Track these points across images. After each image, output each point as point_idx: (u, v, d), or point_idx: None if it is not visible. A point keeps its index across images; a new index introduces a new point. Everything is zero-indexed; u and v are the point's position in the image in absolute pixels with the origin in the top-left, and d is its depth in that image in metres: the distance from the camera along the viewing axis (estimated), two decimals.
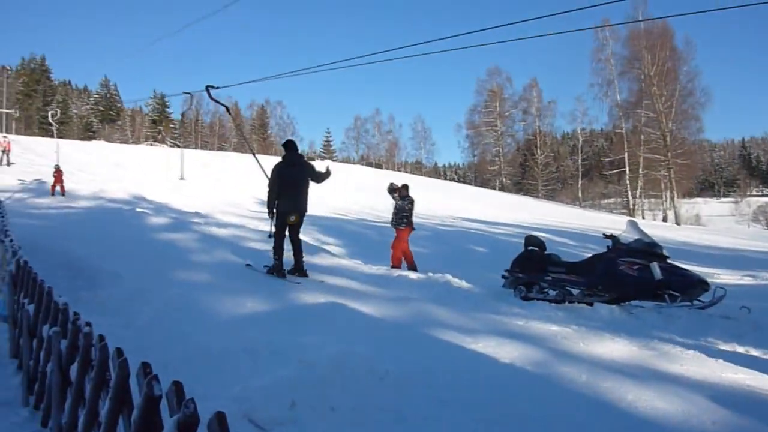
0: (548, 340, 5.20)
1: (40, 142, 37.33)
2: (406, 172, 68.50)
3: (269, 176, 7.75)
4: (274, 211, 7.65)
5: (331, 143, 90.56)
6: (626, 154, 49.59)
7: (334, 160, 68.45)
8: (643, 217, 46.23)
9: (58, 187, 17.88)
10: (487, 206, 31.94)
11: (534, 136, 65.94)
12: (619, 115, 50.88)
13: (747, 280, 10.51)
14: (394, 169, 69.45)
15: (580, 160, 63.68)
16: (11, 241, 4.91)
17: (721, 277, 10.66)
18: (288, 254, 7.77)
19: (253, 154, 10.54)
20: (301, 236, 7.99)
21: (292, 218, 7.64)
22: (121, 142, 66.70)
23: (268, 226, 9.95)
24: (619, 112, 50.77)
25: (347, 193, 30.34)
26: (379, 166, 69.93)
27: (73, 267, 6.98)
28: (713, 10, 7.42)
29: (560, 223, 24.34)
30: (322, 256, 9.47)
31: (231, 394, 3.21)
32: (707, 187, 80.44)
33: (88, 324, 2.34)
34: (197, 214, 13.91)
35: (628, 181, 50.31)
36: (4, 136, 32.93)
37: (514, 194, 56.21)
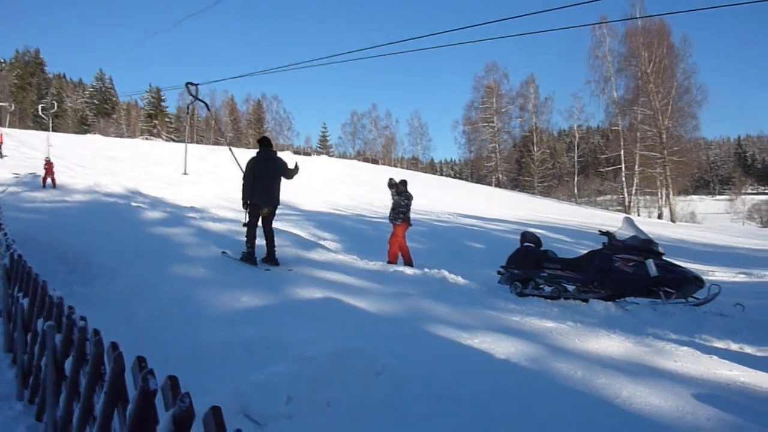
0: (544, 336, 5.21)
1: (34, 136, 37.11)
2: (403, 167, 68.44)
3: (243, 170, 8.07)
4: (248, 202, 7.97)
5: (328, 138, 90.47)
6: (622, 152, 49.65)
7: (330, 156, 68.52)
8: (639, 215, 46.37)
9: (49, 180, 17.85)
10: (483, 202, 31.96)
11: (530, 132, 65.92)
12: (616, 112, 50.91)
13: (741, 278, 10.56)
14: (390, 165, 69.41)
15: (576, 157, 63.81)
16: (5, 234, 4.89)
17: (716, 274, 10.71)
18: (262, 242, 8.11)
19: (229, 148, 10.90)
20: (297, 231, 8.05)
21: (265, 210, 8.01)
22: (116, 136, 66.40)
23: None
24: (616, 109, 50.79)
25: (343, 188, 30.32)
26: (375, 161, 69.78)
27: (69, 261, 6.96)
28: (710, 7, 7.42)
29: (556, 219, 24.38)
30: (318, 251, 9.45)
31: (227, 389, 3.20)
32: (703, 184, 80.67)
33: (83, 318, 2.33)
34: (192, 209, 13.85)
35: (624, 178, 50.38)
36: None
37: (510, 190, 56.23)
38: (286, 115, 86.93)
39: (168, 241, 9.19)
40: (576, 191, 60.70)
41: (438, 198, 28.60)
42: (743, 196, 69.84)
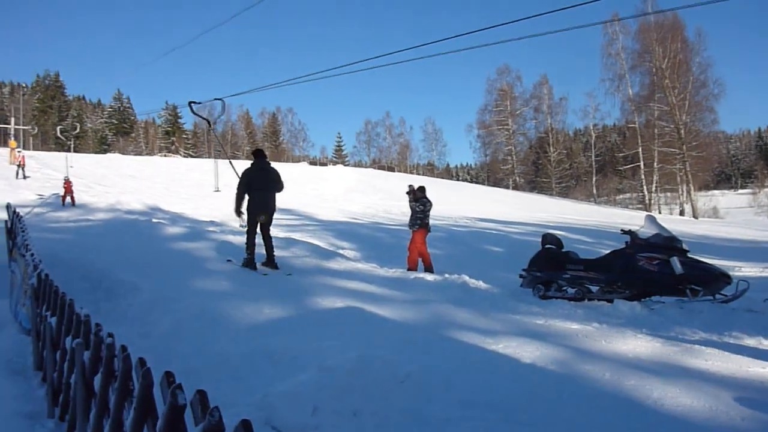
0: (569, 339, 5.15)
1: (56, 157, 37.82)
2: (419, 174, 68.43)
3: (239, 179, 8.41)
4: (242, 210, 8.32)
5: (343, 148, 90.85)
6: (640, 149, 49.00)
7: (345, 165, 68.72)
8: (660, 212, 45.71)
9: (68, 198, 18.30)
10: (501, 205, 31.80)
11: (546, 133, 65.45)
12: (632, 110, 50.30)
13: None
14: (406, 172, 69.38)
15: (593, 157, 63.14)
16: (32, 255, 4.97)
17: (743, 269, 10.51)
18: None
19: (230, 161, 11.46)
20: (315, 241, 8.12)
21: (262, 218, 8.38)
22: (135, 154, 67.42)
23: (278, 232, 10.41)
24: (632, 106, 50.20)
25: (359, 196, 30.39)
26: (391, 169, 69.87)
27: (93, 279, 7.05)
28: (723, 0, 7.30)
29: (575, 220, 24.15)
30: (337, 260, 9.48)
31: (252, 401, 3.21)
32: (724, 179, 79.34)
33: (110, 335, 2.36)
34: (212, 223, 13.99)
35: (643, 176, 49.71)
36: (19, 151, 33.59)
37: (527, 192, 55.84)
38: (301, 127, 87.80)
39: (188, 255, 9.28)
40: (595, 191, 60.02)
41: (455, 203, 28.50)
42: (766, 189, 68.45)
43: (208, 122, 12.88)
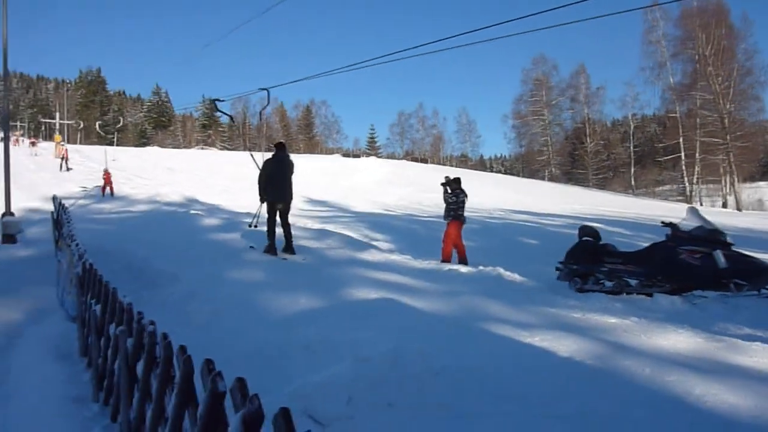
0: (608, 333, 5.05)
1: (98, 151, 38.93)
2: (452, 166, 67.95)
3: (260, 170, 8.92)
4: (264, 197, 8.84)
5: (376, 140, 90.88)
6: (681, 139, 47.64)
7: (378, 157, 68.76)
8: (702, 204, 44.34)
9: (108, 189, 18.95)
10: (536, 197, 31.36)
11: (583, 124, 64.22)
12: (673, 99, 48.87)
13: None
14: (439, 164, 69.03)
15: (632, 147, 61.57)
16: (77, 245, 5.14)
17: None
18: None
19: (251, 153, 11.78)
20: (350, 232, 8.22)
21: (280, 206, 8.85)
22: (173, 147, 68.86)
23: (312, 223, 10.53)
24: (673, 95, 48.76)
25: (393, 188, 30.39)
26: (424, 161, 69.63)
27: (134, 268, 7.26)
28: None
29: (613, 212, 23.64)
30: (371, 252, 9.51)
31: (288, 390, 3.25)
32: None
33: (152, 322, 2.42)
34: (248, 214, 14.19)
35: (684, 167, 48.37)
36: (62, 144, 34.82)
37: (563, 184, 54.89)
38: (335, 119, 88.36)
39: (225, 245, 9.46)
40: (633, 182, 58.59)
41: (489, 195, 28.24)
42: None
43: (231, 118, 13.18)
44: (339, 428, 3.01)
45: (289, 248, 8.81)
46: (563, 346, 4.54)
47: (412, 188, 31.09)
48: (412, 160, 64.24)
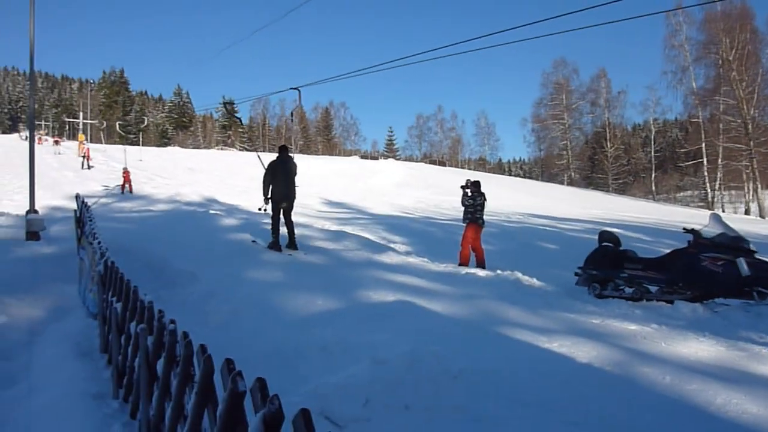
0: (627, 340, 4.99)
1: (120, 150, 39.49)
2: (470, 168, 67.68)
3: (265, 170, 9.28)
4: (268, 197, 9.18)
5: (394, 142, 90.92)
6: (703, 144, 46.81)
7: (396, 159, 68.77)
8: (723, 210, 43.55)
9: (127, 187, 19.45)
10: (555, 201, 31.09)
11: (603, 128, 63.48)
12: (695, 104, 48.03)
13: None
14: (457, 167, 68.82)
15: (653, 152, 60.74)
16: (99, 243, 5.20)
17: None
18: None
19: (258, 155, 12.23)
20: (366, 234, 8.22)
21: (284, 204, 9.19)
22: (193, 147, 69.60)
23: (330, 225, 11.57)
24: (695, 100, 47.93)
25: (410, 191, 30.36)
26: (442, 163, 69.46)
27: (154, 267, 7.34)
28: None
29: (633, 217, 23.33)
30: (388, 254, 9.50)
31: (306, 391, 3.26)
32: None
33: (173, 321, 2.44)
34: (267, 214, 14.28)
35: (706, 173, 47.52)
36: (84, 143, 35.55)
37: (583, 189, 54.34)
38: (353, 121, 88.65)
39: (243, 245, 9.53)
40: (654, 188, 57.77)
41: (508, 198, 28.07)
42: None
43: (240, 120, 13.48)
44: (356, 430, 3.01)
45: (292, 244, 9.21)
46: (581, 352, 4.50)
47: (430, 191, 31.04)
48: (430, 163, 64.11)
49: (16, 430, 3.19)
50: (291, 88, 10.44)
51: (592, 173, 65.36)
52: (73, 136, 54.08)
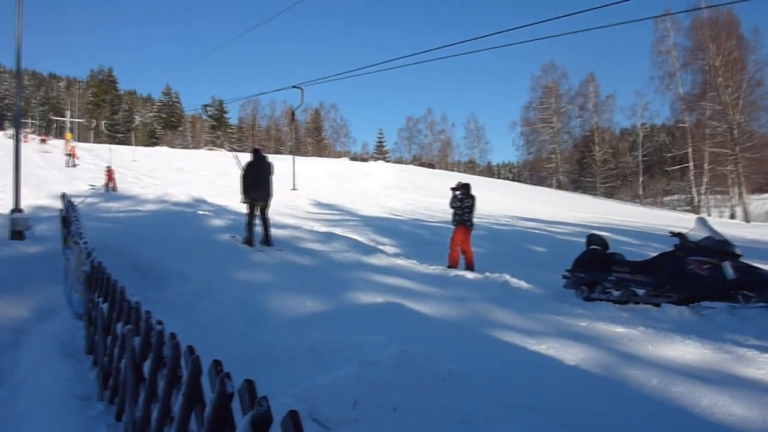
0: (614, 342, 5.02)
1: (109, 149, 39.16)
2: (459, 171, 67.82)
3: (242, 171, 9.71)
4: (246, 196, 9.62)
5: (384, 144, 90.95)
6: (690, 149, 47.33)
7: (386, 161, 68.82)
8: (709, 214, 43.99)
9: (111, 185, 19.49)
10: (543, 204, 31.26)
11: (591, 132, 63.93)
12: (682, 109, 48.55)
13: None
14: (447, 169, 68.96)
15: (640, 156, 61.23)
16: (85, 243, 5.15)
17: None
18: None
19: (234, 155, 12.39)
20: (357, 236, 8.25)
21: (261, 203, 9.71)
22: (182, 147, 69.17)
23: (319, 226, 11.39)
24: (682, 105, 48.45)
25: (400, 193, 30.38)
26: (432, 166, 69.54)
27: (142, 267, 7.28)
28: None
29: (621, 221, 23.50)
30: (377, 256, 9.49)
31: (295, 393, 3.25)
32: None
33: (160, 322, 2.41)
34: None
35: (692, 177, 48.04)
36: (70, 142, 35.40)
37: (571, 192, 54.68)
38: (343, 123, 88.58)
39: (232, 246, 9.48)
40: (641, 192, 58.25)
41: (497, 201, 28.16)
42: None
43: (219, 122, 13.46)
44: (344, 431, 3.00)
45: (266, 240, 9.65)
46: (570, 354, 4.52)
47: (419, 193, 31.09)
48: (419, 165, 64.19)
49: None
50: (293, 87, 10.51)
51: (580, 177, 65.79)
52: (59, 135, 53.55)
